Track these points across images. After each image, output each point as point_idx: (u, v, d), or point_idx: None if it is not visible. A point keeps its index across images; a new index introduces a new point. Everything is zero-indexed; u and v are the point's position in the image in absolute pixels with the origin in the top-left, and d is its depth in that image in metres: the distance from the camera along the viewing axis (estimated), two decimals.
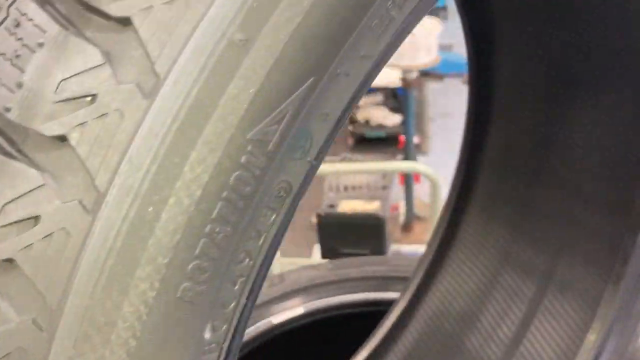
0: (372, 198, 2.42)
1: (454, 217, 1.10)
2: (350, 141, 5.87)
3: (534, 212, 1.04)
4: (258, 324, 1.12)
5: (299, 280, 1.18)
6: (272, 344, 1.13)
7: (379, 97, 6.09)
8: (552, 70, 0.92)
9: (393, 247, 2.96)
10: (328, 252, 2.49)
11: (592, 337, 0.90)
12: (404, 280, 1.18)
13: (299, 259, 2.20)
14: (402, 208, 3.39)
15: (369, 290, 1.16)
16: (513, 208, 1.06)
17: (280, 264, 2.25)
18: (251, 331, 1.11)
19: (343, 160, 3.07)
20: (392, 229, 3.16)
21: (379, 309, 1.14)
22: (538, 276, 1.04)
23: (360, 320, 1.14)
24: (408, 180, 3.33)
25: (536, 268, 1.05)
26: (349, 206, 2.34)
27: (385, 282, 1.18)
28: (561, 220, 1.01)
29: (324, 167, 2.02)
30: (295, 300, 1.14)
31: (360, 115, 5.88)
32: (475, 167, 1.07)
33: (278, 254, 1.69)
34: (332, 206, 2.39)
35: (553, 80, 0.93)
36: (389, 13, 0.32)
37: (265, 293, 1.16)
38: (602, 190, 0.95)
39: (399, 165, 2.27)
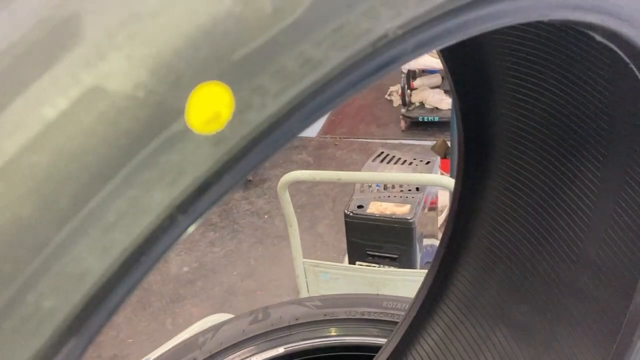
0: (403, 200, 2.33)
1: (447, 265, 1.02)
2: (404, 124, 5.72)
3: (536, 274, 0.94)
4: None
5: (283, 318, 1.13)
6: None
7: (436, 79, 5.88)
8: (553, 126, 0.81)
9: (427, 242, 2.88)
10: (355, 253, 2.43)
11: None
12: (394, 325, 1.11)
13: (320, 262, 2.15)
14: (446, 200, 3.27)
15: (354, 335, 1.10)
16: (513, 266, 0.97)
17: (303, 264, 2.21)
18: None
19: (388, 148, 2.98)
20: (431, 225, 3.07)
21: (363, 355, 1.08)
22: (535, 341, 0.95)
23: None
24: (453, 171, 3.20)
25: (533, 333, 0.95)
26: (378, 208, 2.26)
27: (373, 326, 1.11)
28: (563, 286, 0.91)
29: (343, 175, 1.95)
30: (277, 340, 1.10)
31: (415, 98, 5.70)
32: (473, 216, 0.98)
33: (300, 254, 1.61)
34: (360, 207, 2.32)
35: (555, 134, 0.83)
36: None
37: (248, 330, 1.12)
38: (608, 261, 0.85)
39: (421, 178, 2.16)
